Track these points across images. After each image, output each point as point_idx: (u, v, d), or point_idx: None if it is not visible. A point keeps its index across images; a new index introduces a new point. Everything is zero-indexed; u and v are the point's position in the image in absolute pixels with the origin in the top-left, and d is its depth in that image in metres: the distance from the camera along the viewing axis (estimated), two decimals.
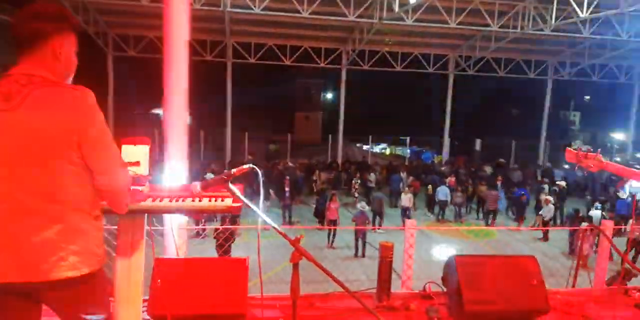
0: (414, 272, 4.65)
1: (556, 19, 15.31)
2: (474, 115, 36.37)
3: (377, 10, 16.28)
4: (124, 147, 2.67)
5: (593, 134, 39.56)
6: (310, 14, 15.81)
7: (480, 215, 16.21)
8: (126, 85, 22.25)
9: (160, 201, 2.58)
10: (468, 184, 17.71)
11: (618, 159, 27.00)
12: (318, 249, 11.77)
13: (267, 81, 36.11)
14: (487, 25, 16.77)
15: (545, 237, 13.77)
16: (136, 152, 2.67)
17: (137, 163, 2.62)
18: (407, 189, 15.63)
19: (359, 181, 17.10)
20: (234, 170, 2.01)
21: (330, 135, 24.71)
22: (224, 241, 6.65)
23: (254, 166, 2.11)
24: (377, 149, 35.08)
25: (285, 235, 1.95)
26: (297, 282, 2.09)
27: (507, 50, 22.31)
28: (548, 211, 13.87)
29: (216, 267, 3.53)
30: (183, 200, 2.62)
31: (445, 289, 3.72)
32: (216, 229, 8.02)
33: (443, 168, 22.19)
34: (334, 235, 12.25)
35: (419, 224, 14.92)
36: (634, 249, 11.03)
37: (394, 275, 4.36)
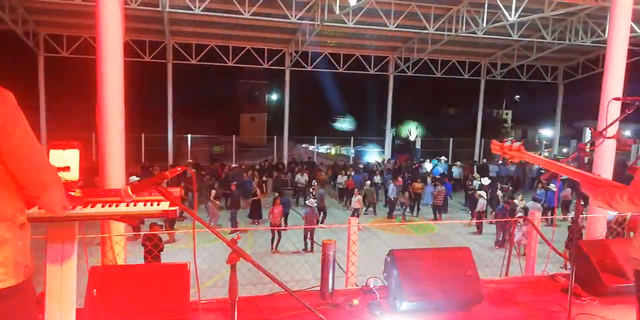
0: (360, 268, 4.76)
1: (487, 22, 16.09)
2: (414, 115, 37.49)
3: (318, 12, 16.44)
4: (52, 152, 2.55)
5: (523, 130, 41.99)
6: (252, 15, 15.70)
7: (415, 211, 16.65)
8: (60, 87, 21.09)
9: (92, 207, 2.50)
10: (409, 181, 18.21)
11: (546, 154, 28.82)
12: (266, 249, 11.74)
13: (210, 82, 35.46)
14: (424, 28, 17.34)
15: (479, 230, 14.46)
16: (65, 157, 2.56)
17: (66, 168, 2.51)
18: (356, 191, 15.90)
19: (321, 190, 16.92)
20: (167, 173, 1.98)
21: (275, 137, 24.66)
22: (153, 248, 6.38)
23: (187, 168, 2.08)
24: (322, 149, 35.37)
25: (221, 237, 1.95)
26: (235, 283, 2.08)
27: (443, 52, 23.20)
28: (480, 205, 14.56)
29: (156, 273, 3.45)
30: (116, 206, 2.55)
31: (386, 283, 3.83)
32: (144, 236, 7.62)
33: (388, 166, 22.70)
34: (279, 239, 11.99)
35: (367, 221, 15.32)
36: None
37: (340, 272, 4.45)
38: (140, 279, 3.33)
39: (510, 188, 18.08)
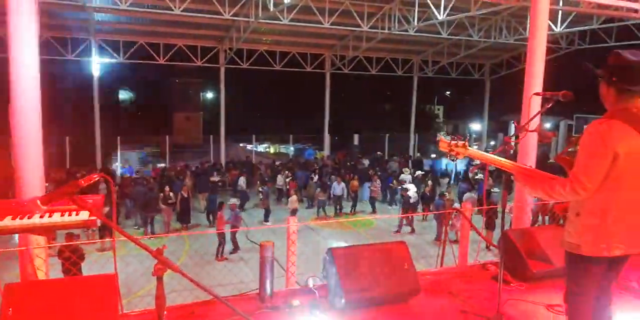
0: (303, 267, 4.72)
1: (418, 20, 16.58)
2: (351, 112, 38.02)
3: (252, 9, 16.20)
4: None
5: (455, 125, 43.91)
6: (183, 11, 15.18)
7: (354, 209, 16.89)
8: None
9: (1, 220, 2.28)
10: (349, 178, 18.45)
11: (476, 147, 30.22)
12: (205, 254, 11.45)
13: (140, 81, 34.10)
14: (358, 25, 17.58)
15: (400, 229, 14.87)
16: None
17: None
18: (293, 191, 15.86)
19: (265, 187, 16.62)
20: (82, 180, 1.82)
21: (211, 136, 24.10)
22: (65, 260, 5.97)
23: (105, 175, 1.93)
24: (260, 148, 35.04)
25: (146, 247, 1.83)
26: (162, 297, 1.96)
27: (377, 50, 23.66)
28: (412, 197, 15.07)
29: (81, 286, 3.22)
30: (29, 218, 2.34)
31: (325, 282, 3.82)
32: (61, 250, 6.96)
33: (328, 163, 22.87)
34: (223, 246, 11.75)
35: (308, 219, 15.36)
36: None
37: (282, 272, 4.39)
38: (63, 293, 3.09)
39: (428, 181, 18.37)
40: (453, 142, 2.89)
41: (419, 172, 19.12)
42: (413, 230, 14.38)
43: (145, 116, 30.80)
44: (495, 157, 2.96)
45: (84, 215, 2.36)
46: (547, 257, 4.22)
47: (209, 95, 42.16)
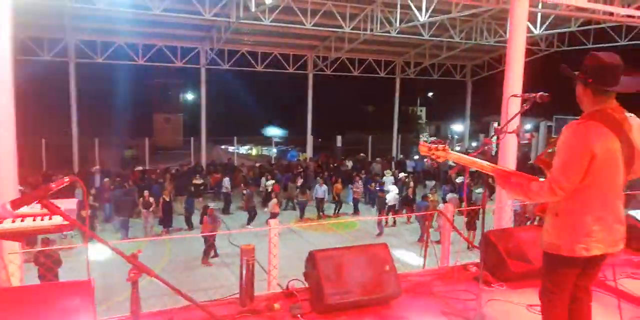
0: (285, 271, 4.67)
1: (400, 22, 16.68)
2: (334, 113, 38.02)
3: (233, 9, 16.08)
4: None
5: (437, 126, 44.31)
6: (162, 11, 15.00)
7: (338, 211, 16.89)
8: None
9: None
10: (334, 180, 18.42)
11: (458, 148, 30.55)
12: (187, 258, 11.30)
13: (119, 82, 33.54)
14: (340, 27, 17.61)
15: (393, 224, 15.19)
16: None
17: None
18: (274, 194, 15.76)
19: (247, 190, 16.44)
20: (52, 184, 1.76)
21: (192, 138, 23.77)
22: (46, 270, 5.82)
23: (76, 178, 1.87)
24: (242, 150, 34.80)
25: (120, 253, 1.77)
26: (137, 303, 1.91)
27: (359, 51, 23.75)
28: (393, 199, 15.24)
29: (55, 293, 3.12)
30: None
31: (307, 285, 3.79)
32: (36, 255, 6.75)
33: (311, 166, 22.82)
34: (210, 250, 11.57)
35: (291, 222, 15.30)
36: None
37: (264, 275, 4.33)
38: (36, 300, 2.99)
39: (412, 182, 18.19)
40: (434, 145, 2.90)
41: (402, 174, 19.19)
42: (381, 233, 14.30)
43: (124, 118, 30.22)
44: (475, 159, 2.97)
45: (57, 219, 2.29)
46: (527, 258, 4.25)
47: (190, 96, 41.68)
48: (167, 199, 14.19)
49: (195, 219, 13.85)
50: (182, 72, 26.75)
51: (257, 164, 23.09)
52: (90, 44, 19.85)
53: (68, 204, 2.46)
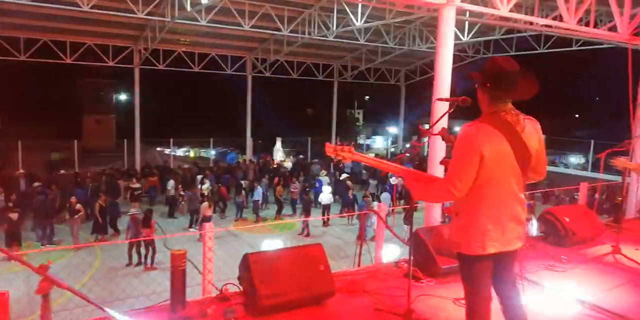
0: (222, 275, 4.60)
1: (337, 26, 16.95)
2: (274, 115, 37.94)
3: (168, 9, 15.63)
4: None
5: (374, 129, 45.36)
6: (92, 8, 14.25)
7: (279, 212, 16.80)
8: None
9: None
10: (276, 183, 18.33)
11: (392, 150, 31.43)
12: (119, 265, 10.83)
13: (45, 82, 31.62)
14: (279, 29, 17.60)
15: (326, 223, 15.56)
16: None
17: None
18: (205, 197, 15.42)
19: (188, 192, 15.90)
20: None
21: (125, 140, 22.82)
22: None
23: None
24: (179, 152, 33.85)
25: (28, 264, 1.68)
26: (47, 315, 1.82)
27: (298, 54, 23.89)
28: (327, 198, 15.64)
29: None
30: None
31: (242, 288, 3.77)
32: None
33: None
34: (153, 254, 11.20)
35: (229, 224, 15.06)
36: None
37: (199, 281, 4.24)
38: None
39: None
40: (339, 146, 2.97)
41: (344, 175, 19.46)
42: (308, 234, 14.42)
43: (50, 119, 28.47)
44: (383, 161, 3.09)
45: None
46: (453, 254, 4.44)
47: (123, 97, 40.00)
48: (103, 205, 13.53)
49: (123, 223, 13.27)
50: (114, 72, 25.67)
51: (186, 166, 22.26)
52: (14, 41, 18.56)
53: None
